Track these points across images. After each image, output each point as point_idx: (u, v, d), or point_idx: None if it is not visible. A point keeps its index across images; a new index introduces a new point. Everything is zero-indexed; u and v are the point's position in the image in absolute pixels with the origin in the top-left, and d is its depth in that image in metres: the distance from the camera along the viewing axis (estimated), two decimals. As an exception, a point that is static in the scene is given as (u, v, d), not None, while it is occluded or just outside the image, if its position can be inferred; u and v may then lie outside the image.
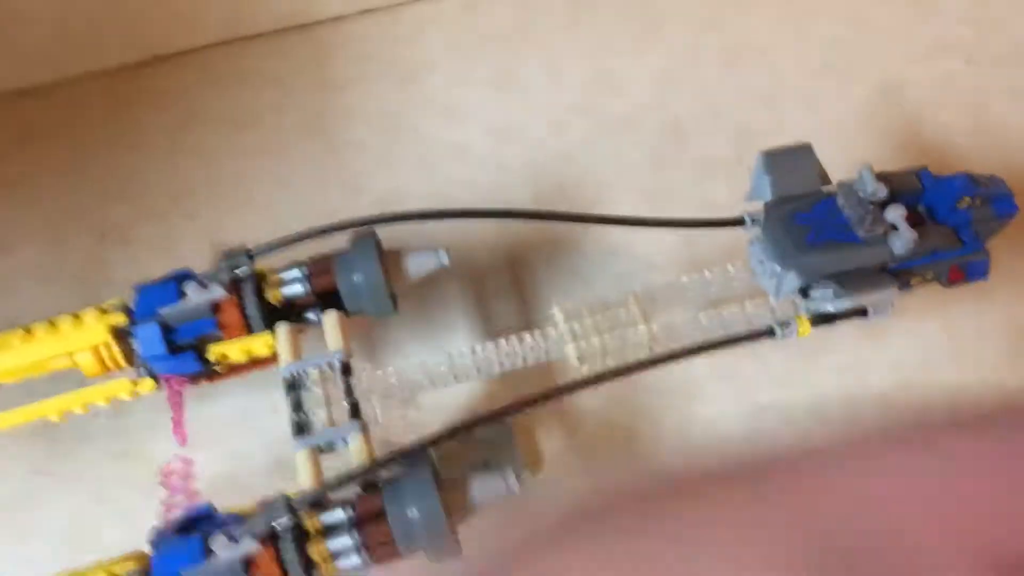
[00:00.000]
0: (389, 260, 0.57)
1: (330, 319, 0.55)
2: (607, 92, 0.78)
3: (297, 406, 0.52)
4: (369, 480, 0.49)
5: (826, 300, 0.52)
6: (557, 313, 0.55)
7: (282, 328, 0.55)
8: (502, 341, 0.54)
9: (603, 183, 0.73)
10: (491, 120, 0.76)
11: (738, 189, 0.71)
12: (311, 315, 0.56)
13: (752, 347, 0.55)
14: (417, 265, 0.57)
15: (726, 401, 0.63)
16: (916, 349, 0.64)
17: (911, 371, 0.64)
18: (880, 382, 0.63)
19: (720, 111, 0.76)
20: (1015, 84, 0.75)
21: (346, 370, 0.53)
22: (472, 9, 0.83)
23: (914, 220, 0.53)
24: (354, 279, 0.55)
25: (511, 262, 0.69)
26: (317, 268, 0.56)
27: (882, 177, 0.54)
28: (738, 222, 0.57)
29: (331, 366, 0.53)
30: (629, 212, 0.71)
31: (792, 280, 0.52)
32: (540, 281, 0.68)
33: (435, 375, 0.53)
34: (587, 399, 0.62)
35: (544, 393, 0.51)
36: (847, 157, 0.59)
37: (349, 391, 0.52)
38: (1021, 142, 0.72)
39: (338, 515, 0.48)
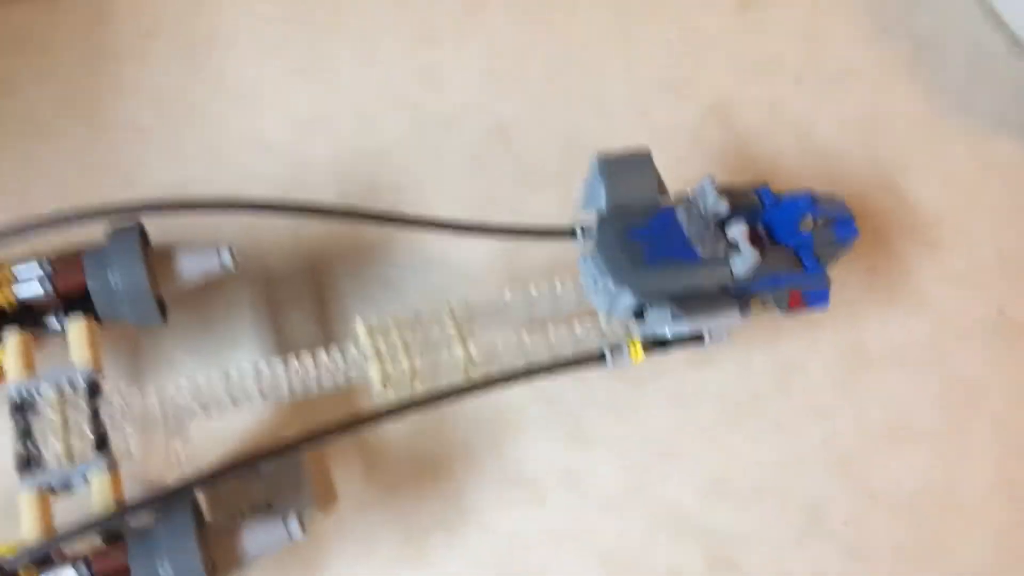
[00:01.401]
0: (157, 258, 0.47)
1: (76, 327, 0.45)
2: (426, 86, 0.70)
3: (25, 434, 0.41)
4: (113, 530, 0.39)
5: (662, 323, 0.47)
6: (360, 328, 0.47)
7: (11, 336, 0.44)
8: (293, 360, 0.46)
9: (419, 186, 0.65)
10: (293, 109, 0.68)
11: (566, 200, 0.66)
12: (52, 321, 0.46)
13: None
14: (192, 266, 0.48)
15: (549, 430, 0.57)
16: (744, 378, 0.60)
17: (739, 400, 0.59)
18: (709, 412, 0.59)
19: (547, 116, 0.70)
20: (842, 107, 0.74)
21: (93, 391, 0.43)
22: (278, -16, 0.74)
23: (754, 240, 0.49)
24: (109, 279, 0.45)
25: (310, 267, 0.60)
26: (63, 264, 0.46)
27: (723, 191, 0.50)
28: (568, 233, 0.51)
29: (73, 385, 0.43)
30: (446, 216, 0.64)
31: (626, 299, 0.47)
32: (343, 291, 0.60)
33: (208, 399, 0.44)
34: (391, 427, 0.55)
35: (341, 423, 0.43)
36: (678, 173, 0.54)
37: (95, 417, 0.42)
38: (848, 167, 0.70)
39: (67, 574, 0.38)
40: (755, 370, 0.60)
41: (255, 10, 0.72)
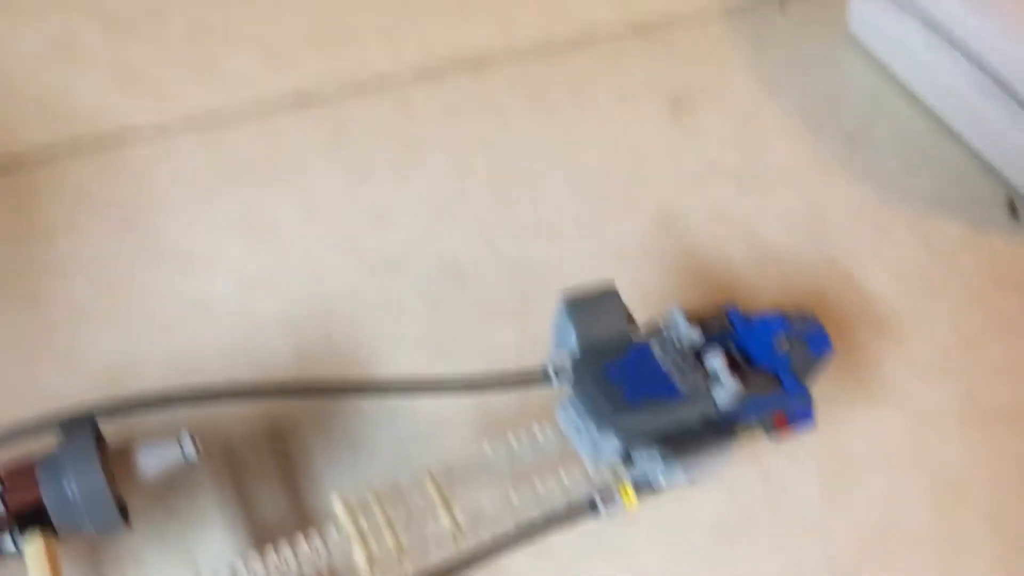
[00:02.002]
0: (114, 456, 0.44)
1: (33, 549, 0.41)
2: (371, 228, 0.69)
3: None
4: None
5: (653, 469, 0.45)
6: (338, 507, 0.45)
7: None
8: (271, 553, 0.43)
9: (375, 335, 0.63)
10: (238, 268, 0.66)
11: (527, 332, 0.65)
12: (7, 542, 0.42)
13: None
14: (154, 461, 0.45)
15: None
16: (732, 500, 0.59)
17: (731, 523, 0.58)
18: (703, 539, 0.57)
19: (497, 246, 0.70)
20: (784, 205, 0.74)
21: (58, 620, 0.39)
22: (210, 141, 0.72)
23: (732, 366, 0.48)
24: (66, 490, 0.42)
25: (274, 438, 0.58)
26: (14, 478, 0.43)
27: (693, 318, 0.49)
28: (541, 378, 0.50)
29: (35, 616, 0.39)
30: (407, 363, 0.62)
31: (612, 444, 0.45)
32: (313, 458, 0.57)
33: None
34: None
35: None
36: (633, 289, 0.54)
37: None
38: (800, 265, 0.71)
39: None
40: (742, 490, 0.59)
41: (189, 173, 0.70)
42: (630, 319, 0.49)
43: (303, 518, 0.54)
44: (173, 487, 0.54)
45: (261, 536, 0.53)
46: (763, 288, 0.69)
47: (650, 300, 0.64)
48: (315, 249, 0.68)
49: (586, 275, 0.61)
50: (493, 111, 0.78)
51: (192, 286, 0.64)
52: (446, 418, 0.59)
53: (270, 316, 0.63)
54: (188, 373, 0.60)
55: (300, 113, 0.75)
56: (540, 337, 0.53)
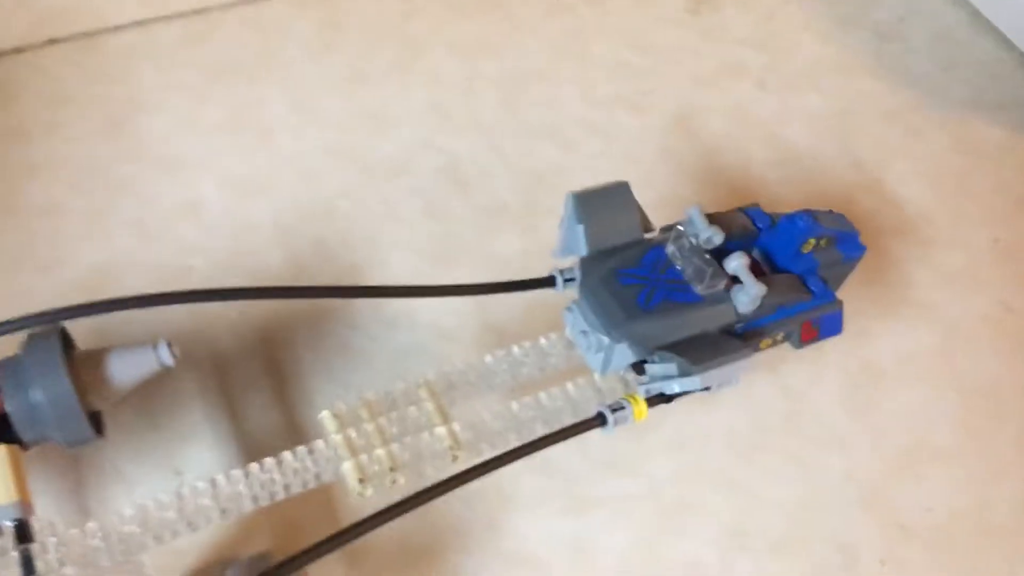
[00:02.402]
0: (86, 365, 0.41)
1: (-3, 459, 0.38)
2: (369, 131, 0.65)
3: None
4: None
5: (669, 379, 0.41)
6: (327, 418, 0.41)
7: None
8: (255, 467, 0.40)
9: (372, 239, 0.60)
10: (228, 171, 0.62)
11: (532, 238, 0.61)
12: (-30, 454, 0.40)
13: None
14: (128, 369, 0.42)
15: (546, 498, 0.51)
16: (749, 412, 0.55)
17: (747, 437, 0.54)
18: (716, 454, 0.54)
19: (501, 149, 0.65)
20: (810, 107, 0.70)
21: (22, 534, 0.37)
22: (196, 37, 0.68)
23: (755, 270, 0.44)
24: (31, 398, 0.39)
25: (262, 344, 0.54)
26: (-25, 386, 0.39)
27: (713, 220, 0.45)
28: (547, 282, 0.46)
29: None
30: (406, 269, 0.59)
31: (624, 354, 0.41)
32: (303, 365, 0.54)
33: (159, 526, 0.38)
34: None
35: (319, 545, 0.37)
36: (648, 194, 0.49)
37: (28, 565, 0.36)
38: (825, 170, 0.66)
39: None
40: (760, 402, 0.55)
41: (177, 71, 0.66)
42: (644, 219, 0.45)
43: (295, 433, 0.51)
44: (158, 398, 0.52)
45: (250, 451, 0.51)
46: (786, 194, 0.65)
47: (665, 206, 0.60)
48: (309, 152, 0.64)
49: (597, 181, 0.57)
50: (500, 8, 0.73)
51: (179, 190, 0.61)
52: (446, 325, 0.56)
53: (262, 221, 0.60)
54: (175, 281, 0.56)
55: (293, 6, 0.70)
56: (547, 246, 0.49)
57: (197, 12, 0.69)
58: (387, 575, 0.48)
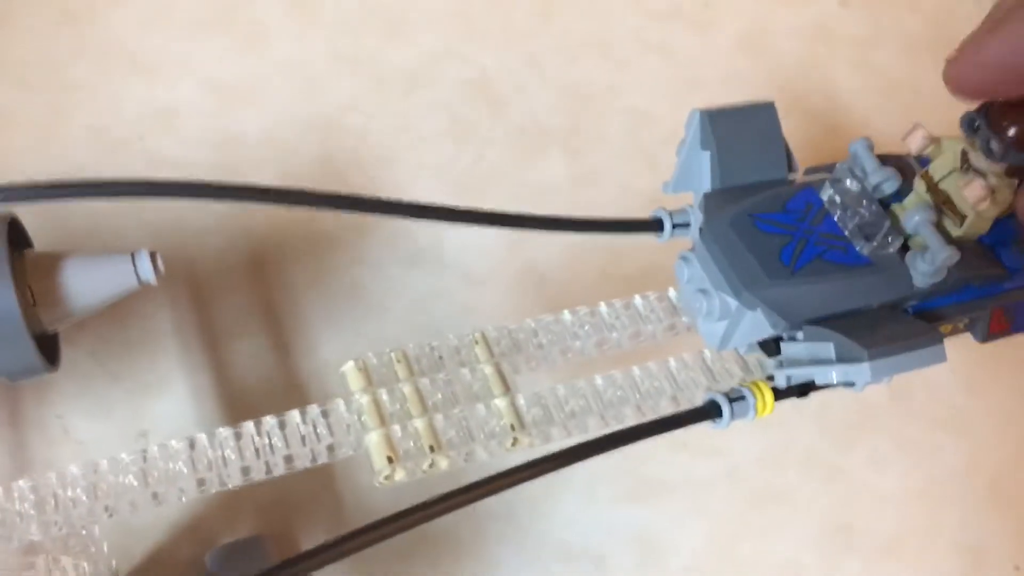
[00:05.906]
0: (40, 269, 0.31)
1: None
2: (383, 35, 0.54)
3: None
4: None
5: (820, 365, 0.31)
6: (351, 372, 0.31)
7: None
8: (249, 428, 0.29)
9: (386, 160, 0.50)
10: (211, 74, 0.51)
11: (578, 166, 0.51)
12: None
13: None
14: (95, 282, 0.31)
15: (604, 482, 0.41)
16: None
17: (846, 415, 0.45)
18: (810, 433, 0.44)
19: (539, 63, 0.55)
20: (904, 27, 0.60)
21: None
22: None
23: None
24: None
25: (255, 275, 0.44)
26: None
27: (885, 161, 0.33)
28: (651, 225, 0.35)
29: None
30: (427, 196, 0.48)
31: (756, 325, 0.31)
32: (303, 307, 0.44)
33: (115, 495, 0.28)
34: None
35: (331, 546, 0.27)
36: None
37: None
38: (921, 98, 0.56)
39: None
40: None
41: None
42: (789, 155, 0.34)
43: (294, 391, 0.41)
44: (122, 332, 0.41)
45: (235, 411, 0.40)
46: (877, 129, 0.55)
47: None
48: (311, 57, 0.53)
49: (651, 105, 0.47)
50: None
51: (152, 93, 0.50)
52: (477, 267, 0.46)
53: (252, 133, 0.49)
54: (143, 196, 0.45)
55: None
56: (597, 177, 0.39)
57: None
58: (408, 567, 0.38)
